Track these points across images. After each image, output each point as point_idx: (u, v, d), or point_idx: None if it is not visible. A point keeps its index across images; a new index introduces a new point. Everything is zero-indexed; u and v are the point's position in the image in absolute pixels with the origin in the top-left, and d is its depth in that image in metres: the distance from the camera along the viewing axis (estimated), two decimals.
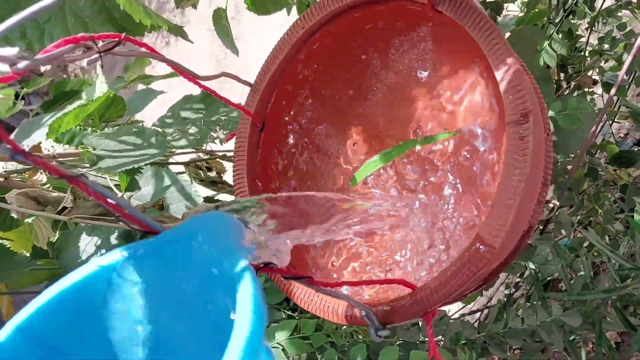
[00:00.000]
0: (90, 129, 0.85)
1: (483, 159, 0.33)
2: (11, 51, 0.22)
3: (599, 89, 1.39)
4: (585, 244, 0.99)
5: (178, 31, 0.43)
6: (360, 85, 0.38)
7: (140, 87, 1.08)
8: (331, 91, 0.39)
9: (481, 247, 0.28)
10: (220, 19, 0.72)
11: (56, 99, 1.11)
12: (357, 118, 0.38)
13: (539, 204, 0.32)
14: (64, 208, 0.63)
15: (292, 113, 0.40)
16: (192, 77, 0.32)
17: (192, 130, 0.75)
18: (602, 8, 1.07)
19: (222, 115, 0.77)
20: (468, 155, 0.33)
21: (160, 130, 0.76)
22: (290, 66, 0.39)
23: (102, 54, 0.27)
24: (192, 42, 0.56)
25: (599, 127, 1.31)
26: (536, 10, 1.05)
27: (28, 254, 0.77)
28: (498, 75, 0.30)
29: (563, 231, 0.92)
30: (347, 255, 0.36)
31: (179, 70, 0.31)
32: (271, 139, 0.40)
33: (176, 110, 0.80)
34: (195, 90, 0.85)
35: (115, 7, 0.28)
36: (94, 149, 0.72)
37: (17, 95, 1.09)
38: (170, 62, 0.31)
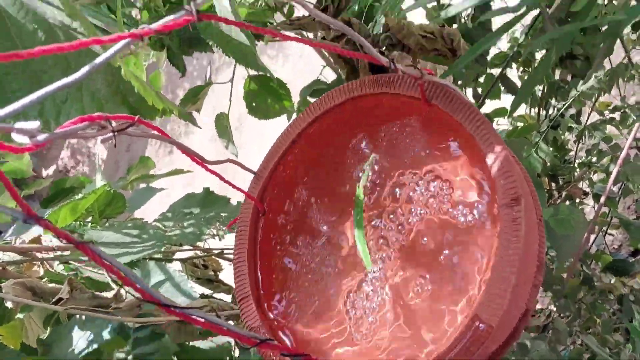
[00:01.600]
0: (90, 224, 0.86)
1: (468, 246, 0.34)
2: (32, 125, 0.24)
3: (590, 201, 1.42)
4: (587, 356, 0.97)
5: (188, 117, 0.45)
6: (350, 168, 0.39)
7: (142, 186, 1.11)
8: (325, 175, 0.40)
9: (480, 325, 0.28)
10: (221, 120, 0.75)
11: (55, 195, 1.13)
12: (348, 200, 0.39)
13: (534, 287, 0.32)
14: (60, 299, 0.62)
15: (291, 198, 0.41)
16: (200, 160, 0.34)
17: (191, 226, 0.77)
18: (588, 122, 1.13)
19: (222, 212, 0.79)
20: (451, 239, 0.34)
21: (160, 225, 0.77)
22: (288, 156, 0.41)
23: (115, 133, 0.29)
24: (200, 127, 0.59)
25: (593, 239, 1.32)
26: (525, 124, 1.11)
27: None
28: (489, 161, 0.32)
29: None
30: (338, 338, 0.36)
31: (188, 153, 0.33)
32: (272, 224, 0.41)
33: (177, 208, 0.82)
34: (197, 189, 0.87)
35: (130, 91, 0.31)
36: (94, 242, 0.73)
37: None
38: (180, 145, 0.32)
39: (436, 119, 0.36)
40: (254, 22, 0.80)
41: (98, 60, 0.22)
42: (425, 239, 0.35)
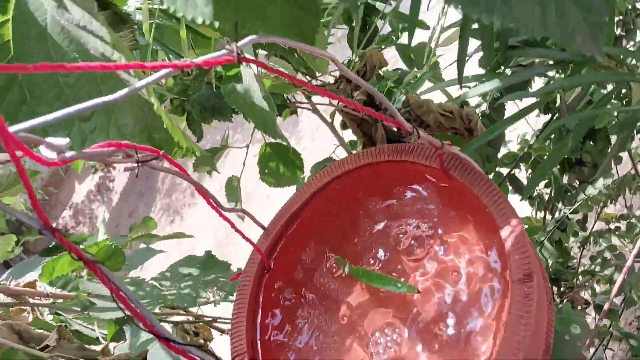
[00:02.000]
0: (86, 276, 0.85)
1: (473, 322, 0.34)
2: (62, 141, 0.24)
3: (592, 311, 1.39)
4: None
5: (208, 161, 0.46)
6: (362, 231, 0.39)
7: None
8: (336, 236, 0.40)
9: None
10: (232, 183, 0.76)
11: (56, 247, 1.12)
12: (357, 261, 0.39)
13: None
14: (47, 346, 0.60)
15: (299, 257, 0.41)
16: (215, 204, 0.34)
17: (188, 287, 0.75)
18: (594, 229, 1.13)
19: (221, 277, 0.78)
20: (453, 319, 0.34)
21: (157, 284, 0.76)
22: (300, 215, 0.41)
23: (139, 163, 0.30)
24: (219, 172, 0.59)
25: (592, 352, 1.29)
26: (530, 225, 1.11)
27: None
28: (503, 234, 0.32)
29: None
30: None
31: (205, 195, 0.33)
32: (277, 282, 0.40)
33: (176, 268, 0.81)
34: (199, 252, 0.86)
35: (158, 128, 0.31)
36: (89, 294, 0.71)
37: (17, 242, 1.10)
38: (197, 185, 0.33)
39: (452, 190, 0.36)
40: (276, 96, 0.82)
41: (138, 84, 0.23)
42: (432, 310, 0.35)
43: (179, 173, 0.32)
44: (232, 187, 0.79)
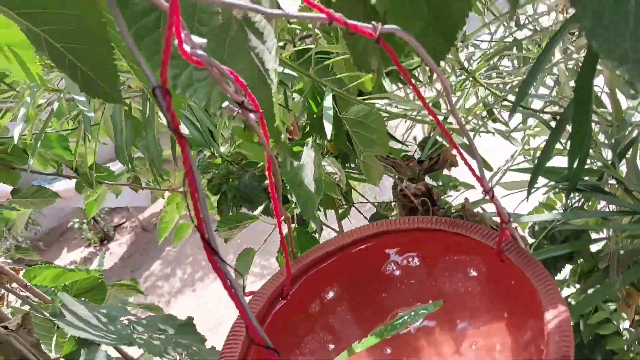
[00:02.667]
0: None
1: None
2: (201, 40, 0.26)
3: None
4: None
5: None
6: (393, 288, 0.38)
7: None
8: (362, 284, 0.39)
9: None
10: (246, 256, 0.75)
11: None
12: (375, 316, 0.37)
13: None
14: (6, 327, 0.56)
15: (319, 294, 0.40)
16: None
17: (159, 340, 0.71)
18: None
19: (194, 345, 0.74)
20: None
21: (131, 325, 0.72)
22: (336, 253, 0.41)
23: (242, 107, 0.31)
24: None
25: None
26: None
27: None
28: (548, 316, 0.31)
29: None
30: None
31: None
32: (288, 311, 0.39)
33: (155, 320, 0.77)
34: (182, 316, 0.83)
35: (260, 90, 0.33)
36: (61, 303, 0.68)
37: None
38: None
39: (499, 269, 0.36)
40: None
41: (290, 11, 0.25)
42: None
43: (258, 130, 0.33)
44: (246, 259, 0.78)
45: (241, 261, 0.79)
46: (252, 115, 0.30)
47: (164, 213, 1.48)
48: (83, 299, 0.79)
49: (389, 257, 0.40)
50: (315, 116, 0.68)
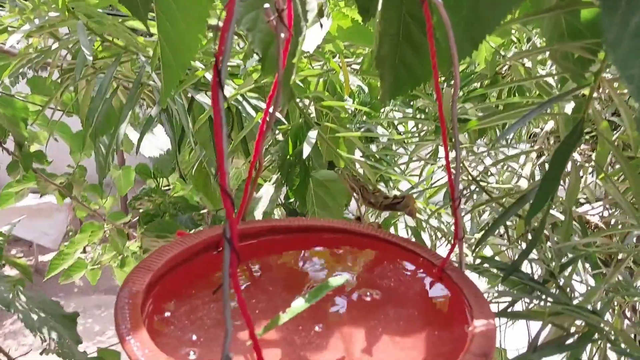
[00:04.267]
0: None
1: None
2: None
3: None
4: None
5: None
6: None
7: None
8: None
9: None
10: None
11: None
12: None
13: None
14: None
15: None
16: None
17: (36, 317, 0.65)
18: None
19: (69, 340, 0.68)
20: None
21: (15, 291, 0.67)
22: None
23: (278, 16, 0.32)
24: None
25: None
26: None
27: None
28: (477, 323, 0.31)
29: None
30: None
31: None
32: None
33: (43, 299, 0.71)
34: None
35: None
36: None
37: None
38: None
39: (437, 279, 0.36)
40: None
41: None
42: None
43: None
44: None
45: None
46: (282, 34, 0.32)
47: (69, 243, 1.38)
48: None
49: (331, 251, 0.40)
50: (287, 158, 0.70)
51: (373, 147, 0.93)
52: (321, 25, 0.42)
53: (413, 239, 0.61)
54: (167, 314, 0.34)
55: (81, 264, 1.36)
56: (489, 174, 0.89)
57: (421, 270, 0.38)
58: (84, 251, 1.41)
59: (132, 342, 0.28)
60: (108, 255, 1.38)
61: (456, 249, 0.36)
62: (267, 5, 0.31)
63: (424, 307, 0.36)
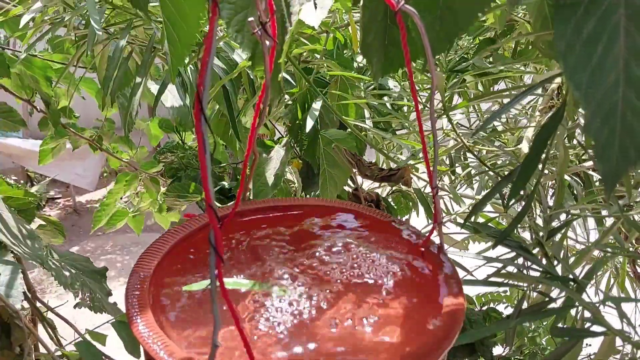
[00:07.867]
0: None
1: None
2: None
3: None
4: None
5: None
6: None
7: None
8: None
9: None
10: None
11: None
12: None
13: None
14: None
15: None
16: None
17: (68, 273, 0.71)
18: None
19: (100, 294, 0.74)
20: None
21: (48, 249, 0.72)
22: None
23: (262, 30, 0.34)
24: None
25: None
26: None
27: None
28: (446, 301, 0.35)
29: None
30: None
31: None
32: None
33: (73, 257, 0.77)
34: None
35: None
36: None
37: None
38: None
39: (418, 258, 0.40)
40: None
41: None
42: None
43: None
44: None
45: None
46: (267, 42, 0.34)
47: (108, 194, 1.45)
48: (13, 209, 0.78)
49: (320, 227, 0.44)
50: (296, 122, 0.72)
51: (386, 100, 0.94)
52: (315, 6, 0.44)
53: None
54: (175, 290, 0.38)
55: (122, 212, 1.44)
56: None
57: (405, 248, 0.41)
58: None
59: (140, 325, 0.32)
60: (145, 202, 1.45)
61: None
62: (251, 18, 0.33)
63: (404, 279, 0.39)
